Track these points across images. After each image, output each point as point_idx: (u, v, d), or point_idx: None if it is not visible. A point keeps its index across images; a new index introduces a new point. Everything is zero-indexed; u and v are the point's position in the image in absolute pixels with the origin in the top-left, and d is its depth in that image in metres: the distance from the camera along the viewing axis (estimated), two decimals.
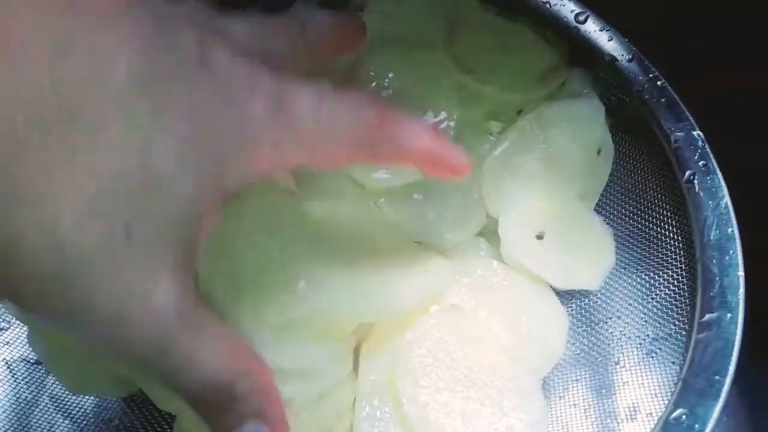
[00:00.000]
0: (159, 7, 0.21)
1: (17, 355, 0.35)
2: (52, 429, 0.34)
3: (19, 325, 0.35)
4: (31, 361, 0.35)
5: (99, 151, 0.18)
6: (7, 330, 0.35)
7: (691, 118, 0.36)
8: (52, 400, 0.34)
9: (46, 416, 0.34)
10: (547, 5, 0.41)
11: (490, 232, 0.38)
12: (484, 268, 0.36)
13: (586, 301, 0.36)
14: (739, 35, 0.44)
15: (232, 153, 0.21)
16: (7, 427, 0.33)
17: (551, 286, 0.37)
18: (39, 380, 0.35)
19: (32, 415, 0.33)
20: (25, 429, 0.33)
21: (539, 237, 0.37)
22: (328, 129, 0.22)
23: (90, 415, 0.34)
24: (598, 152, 0.39)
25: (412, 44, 0.39)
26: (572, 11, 0.41)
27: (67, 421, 0.34)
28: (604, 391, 0.33)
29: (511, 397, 0.31)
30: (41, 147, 0.17)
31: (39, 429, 0.33)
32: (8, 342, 0.35)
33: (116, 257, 0.19)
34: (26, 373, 0.35)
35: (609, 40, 0.40)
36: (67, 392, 0.34)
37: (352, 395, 0.31)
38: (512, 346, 0.33)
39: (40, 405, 0.34)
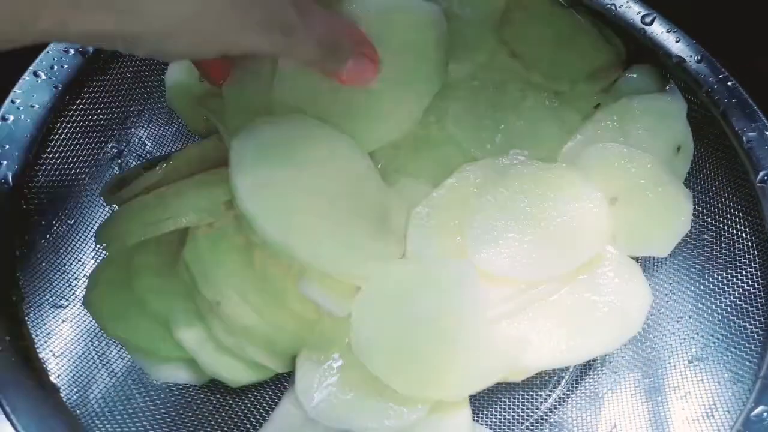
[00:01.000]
0: None
1: (79, 332, 0.36)
2: (109, 405, 0.34)
3: (78, 303, 0.36)
4: (89, 336, 0.36)
5: None
6: (65, 308, 0.36)
7: (763, 117, 0.36)
8: (111, 375, 0.35)
9: (103, 392, 0.34)
10: (613, 7, 0.41)
11: None
12: None
13: (658, 300, 0.36)
14: None
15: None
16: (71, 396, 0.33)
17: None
18: (102, 354, 0.36)
19: (90, 390, 0.34)
20: (84, 402, 0.33)
21: (612, 201, 0.37)
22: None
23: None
24: (678, 149, 0.39)
25: (462, 19, 0.41)
26: (638, 13, 0.41)
27: (120, 404, 0.34)
28: (678, 388, 0.33)
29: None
30: None
31: (96, 404, 0.34)
32: (66, 319, 0.36)
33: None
34: (85, 349, 0.35)
35: (677, 42, 0.40)
36: (118, 371, 0.35)
37: None
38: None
39: (97, 381, 0.35)
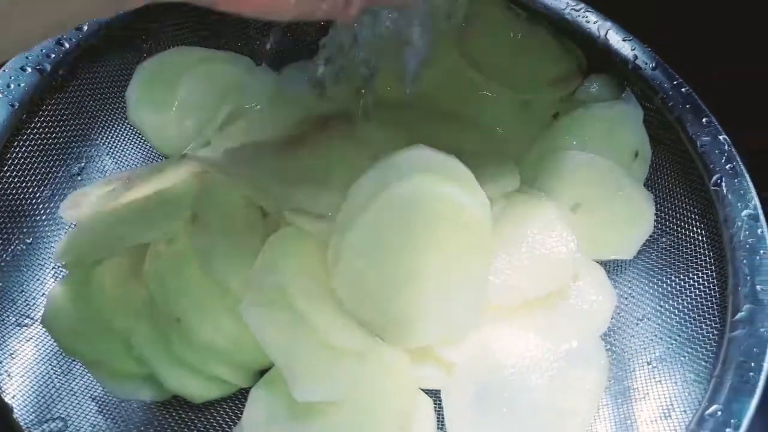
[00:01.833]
0: None
1: (39, 351, 0.35)
2: (68, 424, 0.33)
3: (37, 322, 0.35)
4: (49, 355, 0.35)
5: None
6: (25, 327, 0.35)
7: (716, 122, 0.37)
8: (71, 394, 0.34)
9: (62, 411, 0.34)
10: (569, 16, 0.42)
11: None
12: None
13: (619, 303, 0.37)
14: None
15: None
16: (28, 416, 0.32)
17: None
18: (62, 373, 0.35)
19: (49, 410, 0.33)
20: (42, 422, 0.32)
21: (574, 208, 0.38)
22: None
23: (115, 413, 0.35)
24: (636, 155, 0.39)
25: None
26: (595, 22, 0.42)
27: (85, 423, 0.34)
28: (638, 390, 0.34)
29: None
30: None
31: (54, 424, 0.33)
32: (27, 339, 0.35)
33: None
34: (45, 368, 0.34)
35: (632, 50, 0.41)
36: (77, 389, 0.35)
37: None
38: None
39: (56, 400, 0.34)
